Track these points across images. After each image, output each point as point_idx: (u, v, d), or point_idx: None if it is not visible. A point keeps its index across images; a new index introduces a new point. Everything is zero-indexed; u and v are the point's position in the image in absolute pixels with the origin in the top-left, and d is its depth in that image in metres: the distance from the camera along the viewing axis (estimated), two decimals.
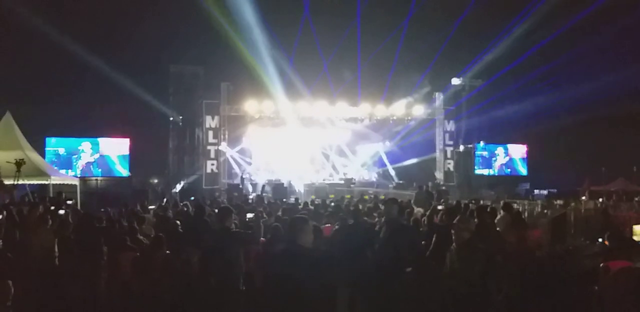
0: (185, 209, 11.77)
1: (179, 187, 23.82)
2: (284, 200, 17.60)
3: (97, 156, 25.72)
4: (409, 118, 27.41)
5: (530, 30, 24.51)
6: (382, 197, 16.86)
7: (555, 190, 23.93)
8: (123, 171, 26.12)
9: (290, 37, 25.12)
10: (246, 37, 23.23)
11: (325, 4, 25.32)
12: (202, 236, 6.76)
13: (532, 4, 23.52)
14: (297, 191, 23.51)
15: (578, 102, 26.73)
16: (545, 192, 24.31)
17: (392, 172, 27.44)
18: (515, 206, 12.27)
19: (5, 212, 8.31)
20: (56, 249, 6.46)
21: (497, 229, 7.75)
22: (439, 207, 10.88)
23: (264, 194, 19.81)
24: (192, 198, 17.94)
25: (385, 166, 28.57)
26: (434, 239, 6.97)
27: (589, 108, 26.17)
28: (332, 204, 13.21)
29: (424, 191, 17.25)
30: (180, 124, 25.31)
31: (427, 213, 9.92)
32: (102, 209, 11.80)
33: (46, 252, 6.37)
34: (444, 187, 23.44)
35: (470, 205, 11.12)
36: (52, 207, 10.53)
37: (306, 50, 25.29)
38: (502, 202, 10.93)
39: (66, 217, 9.61)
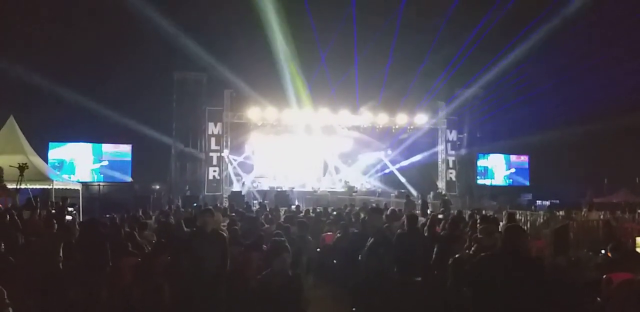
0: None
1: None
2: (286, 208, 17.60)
3: (99, 162, 25.79)
4: (412, 127, 27.44)
5: (535, 43, 24.53)
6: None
7: (558, 201, 23.84)
8: (125, 177, 26.16)
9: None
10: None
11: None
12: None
13: (537, 19, 23.58)
14: (298, 198, 23.47)
15: (581, 114, 26.78)
16: (547, 203, 24.23)
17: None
18: (517, 216, 12.25)
19: (7, 216, 8.34)
20: (61, 254, 6.45)
21: None
22: (439, 216, 10.89)
23: (266, 202, 19.82)
24: (195, 204, 17.96)
25: (387, 174, 28.49)
26: (435, 249, 6.95)
27: (592, 119, 26.15)
28: (335, 212, 13.20)
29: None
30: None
31: (428, 223, 9.93)
32: (107, 215, 11.80)
33: (50, 257, 6.36)
34: (446, 197, 23.38)
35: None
36: (53, 211, 10.55)
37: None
38: (504, 212, 10.89)
39: (72, 223, 9.63)
